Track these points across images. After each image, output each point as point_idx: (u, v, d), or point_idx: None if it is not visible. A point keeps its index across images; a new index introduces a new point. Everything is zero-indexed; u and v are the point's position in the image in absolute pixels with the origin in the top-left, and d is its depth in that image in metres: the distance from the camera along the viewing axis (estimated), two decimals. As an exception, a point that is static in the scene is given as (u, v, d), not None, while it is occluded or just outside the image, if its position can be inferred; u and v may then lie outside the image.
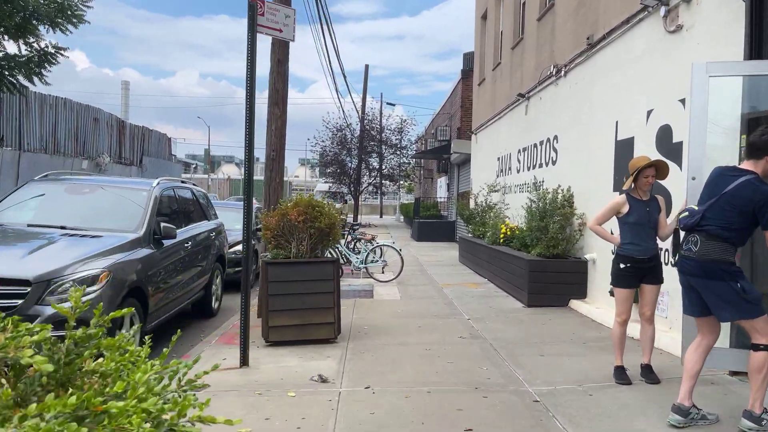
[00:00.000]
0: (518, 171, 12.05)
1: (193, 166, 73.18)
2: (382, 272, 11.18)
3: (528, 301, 8.16)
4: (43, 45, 14.15)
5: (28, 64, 14.62)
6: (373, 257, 11.25)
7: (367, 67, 36.98)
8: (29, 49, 14.43)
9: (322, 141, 34.78)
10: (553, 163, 9.78)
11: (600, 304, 7.61)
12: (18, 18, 13.74)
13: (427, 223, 22.96)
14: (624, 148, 7.09)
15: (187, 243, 6.92)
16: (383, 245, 11.20)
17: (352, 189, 35.04)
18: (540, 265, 8.15)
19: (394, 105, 36.83)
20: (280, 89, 7.38)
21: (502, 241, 10.78)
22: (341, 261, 11.10)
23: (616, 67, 7.34)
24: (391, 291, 9.93)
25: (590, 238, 8.09)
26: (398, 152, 35.70)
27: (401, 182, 43.87)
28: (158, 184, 6.76)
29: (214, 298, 8.13)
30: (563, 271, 8.15)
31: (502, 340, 6.26)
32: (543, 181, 10.13)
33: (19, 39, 14.12)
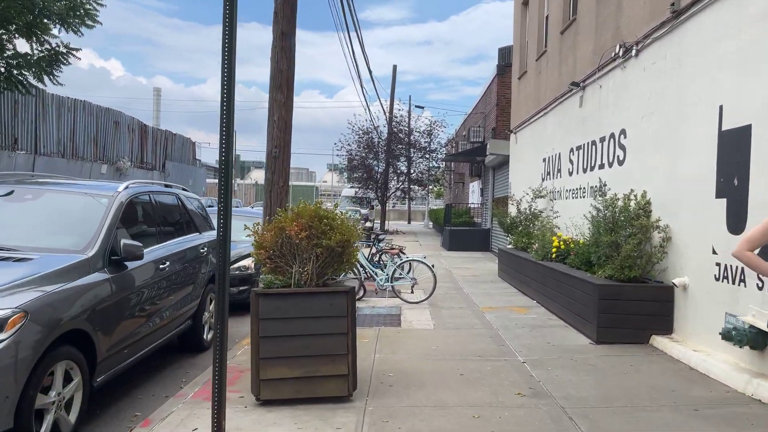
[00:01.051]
0: (570, 173, 10.33)
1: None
2: (411, 291, 9.57)
3: (597, 337, 6.45)
4: (54, 44, 13.16)
5: (39, 63, 13.61)
6: (401, 274, 9.65)
7: (395, 67, 35.56)
8: (40, 49, 13.43)
9: (348, 144, 33.43)
10: (620, 162, 8.05)
11: (696, 343, 5.87)
12: (29, 16, 12.75)
13: (460, 232, 21.27)
14: (733, 140, 5.36)
15: (164, 263, 5.43)
16: (413, 260, 9.59)
17: (379, 194, 33.54)
18: (613, 292, 6.44)
19: (423, 108, 35.30)
20: (284, 69, 5.89)
21: (554, 256, 9.08)
22: (362, 276, 9.54)
23: (724, 35, 5.61)
24: (422, 316, 8.32)
25: (677, 258, 6.36)
26: (427, 155, 34.10)
27: (430, 187, 42.24)
28: (126, 188, 5.29)
29: (206, 328, 6.65)
30: (643, 300, 6.41)
31: (576, 401, 4.59)
32: (605, 185, 8.41)
33: (31, 37, 13.12)
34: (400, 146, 33.06)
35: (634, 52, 7.62)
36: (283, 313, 4.50)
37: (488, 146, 17.49)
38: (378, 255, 11.89)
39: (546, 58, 12.38)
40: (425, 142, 33.92)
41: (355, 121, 37.13)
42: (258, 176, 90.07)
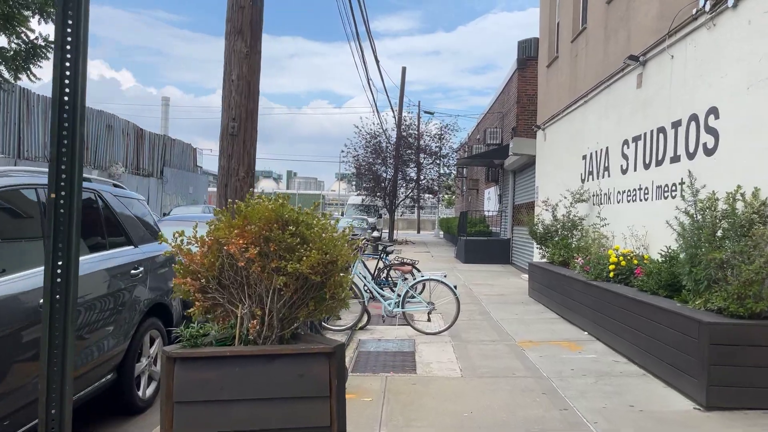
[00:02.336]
0: (624, 171, 8.32)
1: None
2: (428, 319, 7.58)
3: (707, 399, 4.41)
4: (33, 37, 11.66)
5: (15, 58, 12.02)
6: (414, 296, 7.67)
7: (404, 69, 33.72)
8: (18, 42, 11.89)
9: (355, 150, 31.54)
10: (707, 151, 6.05)
11: None
12: (5, 7, 11.21)
13: (477, 242, 19.24)
14: None
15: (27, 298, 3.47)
16: (430, 279, 7.59)
17: (388, 202, 31.59)
18: (731, 333, 4.40)
19: (432, 114, 33.39)
20: (246, 4, 3.94)
21: (612, 275, 7.06)
22: (366, 298, 7.58)
23: None
24: (443, 355, 6.33)
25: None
26: (438, 161, 32.14)
27: (441, 195, 40.25)
28: (-13, 177, 3.36)
29: (143, 380, 4.70)
30: (777, 347, 4.38)
31: None
32: (694, 179, 6.39)
33: (7, 29, 11.58)
34: (409, 151, 31.16)
35: (730, 1, 5.64)
36: (216, 392, 2.53)
37: (511, 146, 15.50)
38: (386, 270, 9.93)
39: (585, 38, 10.41)
40: (436, 146, 32.01)
41: (362, 125, 35.30)
42: (266, 185, 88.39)
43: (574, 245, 9.63)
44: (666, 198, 6.93)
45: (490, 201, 23.67)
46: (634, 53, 7.86)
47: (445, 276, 7.44)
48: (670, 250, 6.05)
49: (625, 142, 8.32)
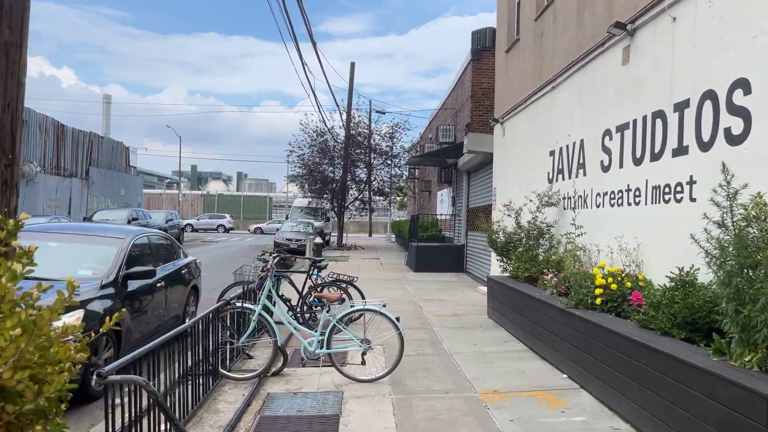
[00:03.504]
0: (606, 168, 6.75)
1: (167, 180, 67.47)
2: (362, 361, 5.75)
3: None
4: None
5: None
6: (343, 330, 5.82)
7: (352, 64, 31.84)
8: None
9: (300, 149, 29.53)
10: (733, 139, 4.48)
11: None
12: None
13: (429, 249, 17.58)
14: None
15: None
16: (365, 310, 5.73)
17: (336, 205, 29.70)
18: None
19: (384, 113, 31.78)
20: None
21: (599, 301, 5.43)
22: (277, 338, 5.73)
23: None
24: (378, 420, 4.54)
25: None
26: (389, 161, 30.47)
27: (392, 197, 38.61)
28: None
29: None
30: None
31: None
32: (693, 180, 4.82)
33: None
34: (358, 151, 29.37)
35: (770, -69, 4.08)
36: None
37: (465, 143, 13.90)
38: (319, 290, 8.10)
39: (552, 13, 8.85)
40: (386, 146, 30.34)
41: (307, 121, 33.20)
42: (216, 187, 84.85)
43: (541, 257, 8.03)
44: (667, 201, 5.35)
45: (443, 204, 22.12)
46: (620, 20, 6.28)
47: (384, 305, 5.63)
48: (684, 273, 4.45)
49: (607, 133, 6.75)
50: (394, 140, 30.59)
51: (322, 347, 5.60)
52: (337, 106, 33.67)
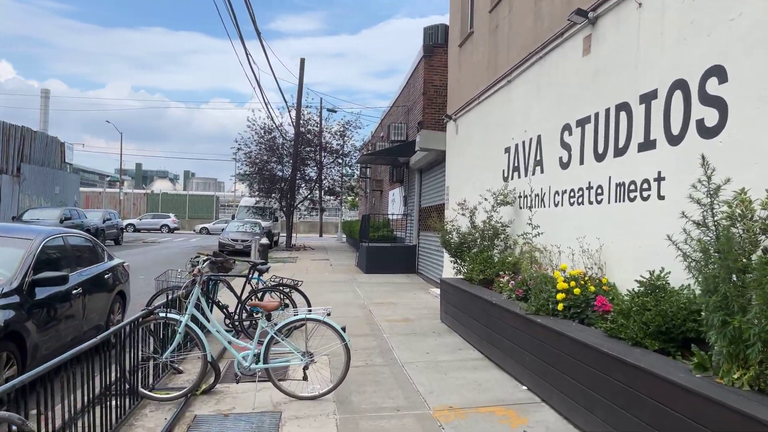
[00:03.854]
0: (565, 165, 6.39)
1: (108, 179, 64.54)
2: (304, 376, 5.16)
3: None
4: None
5: None
6: (282, 341, 5.21)
7: (302, 60, 30.98)
8: None
9: (247, 146, 28.51)
10: (706, 132, 4.14)
11: None
12: None
13: (380, 249, 17.08)
14: None
15: None
16: (306, 319, 5.14)
17: (284, 204, 28.83)
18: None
19: (335, 111, 31.04)
20: None
21: (562, 307, 5.04)
22: (206, 349, 5.12)
23: None
24: (319, 450, 3.98)
25: None
26: (340, 160, 29.84)
27: (344, 197, 37.98)
28: None
29: None
30: None
31: None
32: (662, 177, 4.48)
33: None
34: (308, 149, 28.59)
35: None
36: None
37: (417, 140, 13.46)
38: (260, 295, 7.47)
39: (508, 3, 8.48)
40: (337, 144, 29.70)
41: (255, 118, 32.18)
42: (162, 186, 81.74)
43: (497, 259, 7.64)
44: (632, 200, 5.00)
45: (394, 203, 21.68)
46: (581, 7, 5.92)
47: (328, 313, 5.06)
48: (655, 277, 4.08)
49: (566, 128, 6.40)
50: (345, 138, 30.02)
51: (258, 362, 4.98)
52: (286, 103, 32.83)
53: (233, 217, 33.66)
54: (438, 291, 11.15)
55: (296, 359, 5.06)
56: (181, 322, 4.98)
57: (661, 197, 4.59)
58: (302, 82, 30.04)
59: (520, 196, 7.72)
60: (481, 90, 9.60)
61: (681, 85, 4.42)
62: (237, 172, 29.41)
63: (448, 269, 9.85)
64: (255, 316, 7.20)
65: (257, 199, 29.62)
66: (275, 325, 5.02)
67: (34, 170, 31.47)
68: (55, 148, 34.88)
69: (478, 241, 8.10)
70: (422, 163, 15.69)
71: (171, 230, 46.69)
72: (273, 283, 7.83)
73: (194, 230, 47.48)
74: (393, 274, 16.21)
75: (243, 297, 7.43)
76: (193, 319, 5.08)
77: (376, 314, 9.38)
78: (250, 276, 7.46)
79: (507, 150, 8.32)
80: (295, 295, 7.75)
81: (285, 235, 30.22)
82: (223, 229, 27.96)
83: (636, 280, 4.25)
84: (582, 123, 6.03)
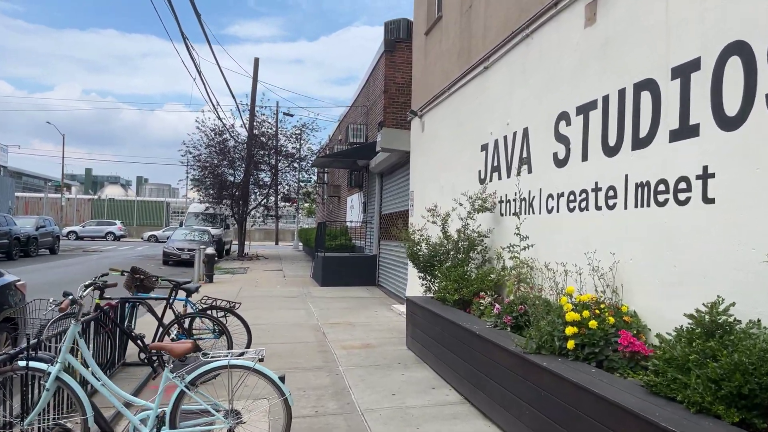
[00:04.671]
0: (563, 162, 5.22)
1: (49, 183, 60.94)
2: (230, 443, 3.77)
3: None
4: None
5: None
6: (194, 396, 3.81)
7: (256, 60, 29.37)
8: None
9: (196, 148, 26.68)
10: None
11: None
12: None
13: (337, 260, 15.70)
14: None
15: None
16: (233, 365, 3.75)
17: (236, 210, 27.10)
18: None
19: (292, 115, 29.40)
20: None
21: (572, 345, 3.82)
22: (86, 412, 3.66)
23: None
24: None
25: None
26: (296, 164, 28.31)
27: (300, 203, 36.42)
28: None
29: None
30: None
31: None
32: (713, 174, 3.30)
33: None
34: (262, 152, 26.97)
35: None
36: None
37: (378, 140, 12.19)
38: (187, 322, 6.06)
39: (484, -21, 7.32)
40: (293, 147, 28.18)
41: (204, 118, 30.36)
42: (112, 192, 77.81)
43: (474, 275, 6.42)
44: (663, 204, 3.84)
45: (353, 210, 20.36)
46: (585, -35, 4.77)
47: (261, 358, 3.70)
48: (716, 312, 2.91)
49: (563, 117, 5.24)
50: (302, 142, 28.57)
51: (162, 425, 3.58)
52: (237, 104, 31.14)
53: (181, 225, 31.63)
54: (402, 308, 9.87)
55: (219, 422, 3.67)
56: (50, 373, 3.54)
57: (708, 200, 3.43)
58: (256, 81, 28.44)
59: (501, 201, 6.53)
60: (452, 81, 8.42)
61: (739, 48, 3.28)
62: (187, 175, 27.45)
63: (415, 285, 8.59)
64: (156, 365, 5.56)
65: (207, 205, 27.79)
66: (187, 374, 3.63)
67: (-41, 173, 28.78)
68: (-15, 149, 32.08)
69: (452, 253, 6.87)
70: (383, 166, 14.44)
71: (117, 238, 44.04)
72: (204, 306, 6.41)
73: (142, 238, 44.97)
74: (351, 286, 14.87)
75: (167, 322, 6.00)
76: (68, 369, 3.64)
77: (331, 338, 8.03)
78: (172, 299, 6.00)
79: (484, 147, 7.13)
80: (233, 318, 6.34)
81: (237, 242, 28.46)
82: (168, 237, 26.00)
83: (687, 314, 3.07)
84: (585, 110, 4.87)
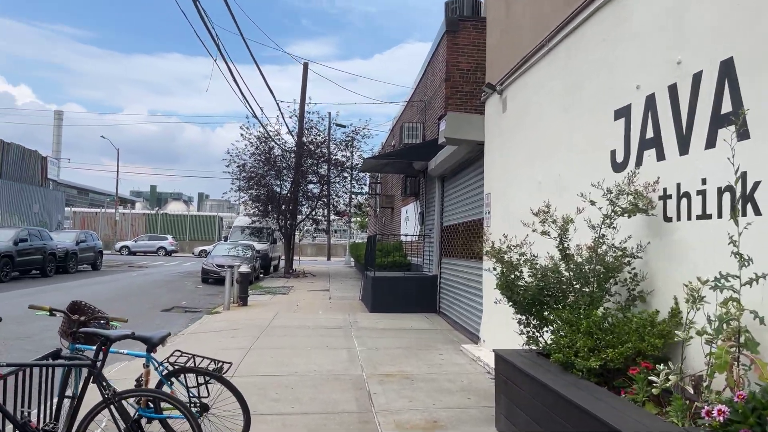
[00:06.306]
0: None
1: (109, 198, 61.47)
2: None
3: None
4: None
5: None
6: None
7: (306, 65, 27.45)
8: None
9: (240, 158, 24.67)
10: None
11: None
12: None
13: (390, 280, 13.11)
14: None
15: None
16: None
17: (284, 224, 24.96)
18: None
19: (344, 126, 27.37)
20: None
21: None
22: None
23: None
24: None
25: None
26: (346, 173, 26.00)
27: (351, 215, 34.15)
28: None
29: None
30: None
31: None
32: None
33: None
34: (310, 161, 24.72)
35: None
36: None
37: (442, 128, 9.51)
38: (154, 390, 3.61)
39: None
40: (343, 156, 25.86)
41: (248, 125, 28.59)
42: (175, 208, 78.29)
43: (634, 325, 3.68)
44: None
45: (408, 222, 17.75)
46: None
47: None
48: None
49: None
50: (353, 149, 26.25)
51: None
52: (280, 111, 29.27)
53: (226, 239, 29.87)
54: (476, 351, 7.19)
55: None
56: None
57: None
58: (305, 87, 26.49)
59: (665, 197, 3.79)
60: (556, 27, 5.76)
61: None
62: (230, 188, 25.53)
63: (497, 322, 5.89)
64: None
65: (254, 218, 25.76)
66: None
67: (7, 186, 28.10)
68: (34, 162, 31.49)
69: (574, 285, 4.15)
70: (446, 166, 11.79)
71: (168, 253, 43.15)
72: (173, 368, 3.97)
73: (193, 253, 43.93)
74: (407, 313, 12.23)
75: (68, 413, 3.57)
76: None
77: (380, 406, 5.43)
78: (99, 364, 3.54)
79: (623, 112, 4.41)
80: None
81: (284, 258, 26.34)
82: (208, 253, 24.13)
83: None
84: None
